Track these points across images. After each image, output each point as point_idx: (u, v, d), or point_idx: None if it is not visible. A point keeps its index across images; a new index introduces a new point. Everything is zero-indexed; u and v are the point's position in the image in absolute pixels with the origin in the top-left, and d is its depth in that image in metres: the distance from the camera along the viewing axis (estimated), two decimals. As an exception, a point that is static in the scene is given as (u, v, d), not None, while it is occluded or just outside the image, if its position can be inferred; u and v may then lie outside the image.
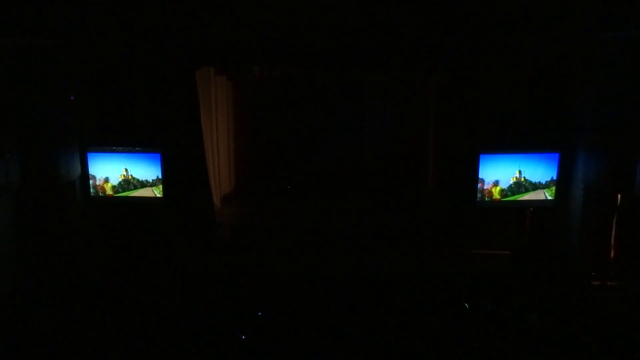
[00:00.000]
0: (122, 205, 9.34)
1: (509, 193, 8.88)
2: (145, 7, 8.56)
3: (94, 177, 9.09)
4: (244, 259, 9.28)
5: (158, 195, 9.13)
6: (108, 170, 9.11)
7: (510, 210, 9.27)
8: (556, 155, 8.75)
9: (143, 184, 9.12)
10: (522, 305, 6.79)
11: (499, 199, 8.88)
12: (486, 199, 8.89)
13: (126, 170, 9.09)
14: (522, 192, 8.89)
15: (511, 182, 8.85)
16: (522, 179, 8.83)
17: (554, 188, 8.83)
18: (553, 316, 6.36)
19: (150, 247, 9.44)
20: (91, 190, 9.15)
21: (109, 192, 9.15)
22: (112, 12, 8.58)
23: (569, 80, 8.76)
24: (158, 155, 9.02)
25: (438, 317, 6.32)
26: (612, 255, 8.49)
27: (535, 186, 8.83)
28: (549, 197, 8.84)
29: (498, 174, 8.84)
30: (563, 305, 6.88)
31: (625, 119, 7.85)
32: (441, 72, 10.24)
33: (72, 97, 8.82)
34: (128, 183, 9.12)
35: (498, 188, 8.86)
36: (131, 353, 5.82)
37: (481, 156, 8.78)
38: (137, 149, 9.07)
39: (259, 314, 5.83)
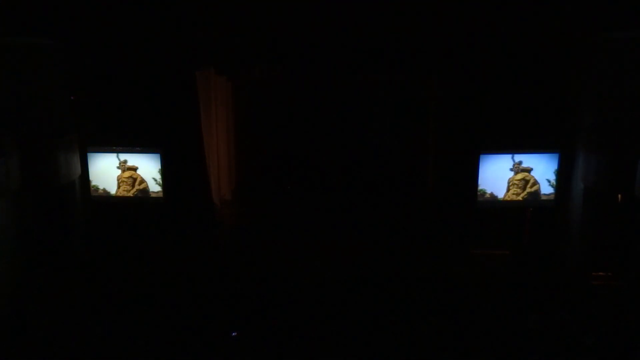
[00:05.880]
0: (122, 205, 9.36)
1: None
2: (145, 7, 8.56)
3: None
4: (244, 259, 9.28)
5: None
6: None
7: (510, 210, 9.28)
8: (556, 155, 8.76)
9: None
10: (522, 305, 6.79)
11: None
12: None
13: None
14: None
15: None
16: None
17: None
18: (553, 316, 6.35)
19: (150, 247, 9.45)
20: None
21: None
22: (112, 12, 8.58)
23: (569, 80, 8.77)
24: (157, 155, 9.04)
25: (438, 317, 6.32)
26: (611, 255, 8.49)
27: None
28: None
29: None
30: (563, 305, 6.87)
31: (625, 119, 7.84)
32: (441, 72, 10.23)
33: (72, 97, 8.83)
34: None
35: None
36: (131, 353, 5.82)
37: (481, 156, 8.80)
38: (137, 148, 9.09)
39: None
